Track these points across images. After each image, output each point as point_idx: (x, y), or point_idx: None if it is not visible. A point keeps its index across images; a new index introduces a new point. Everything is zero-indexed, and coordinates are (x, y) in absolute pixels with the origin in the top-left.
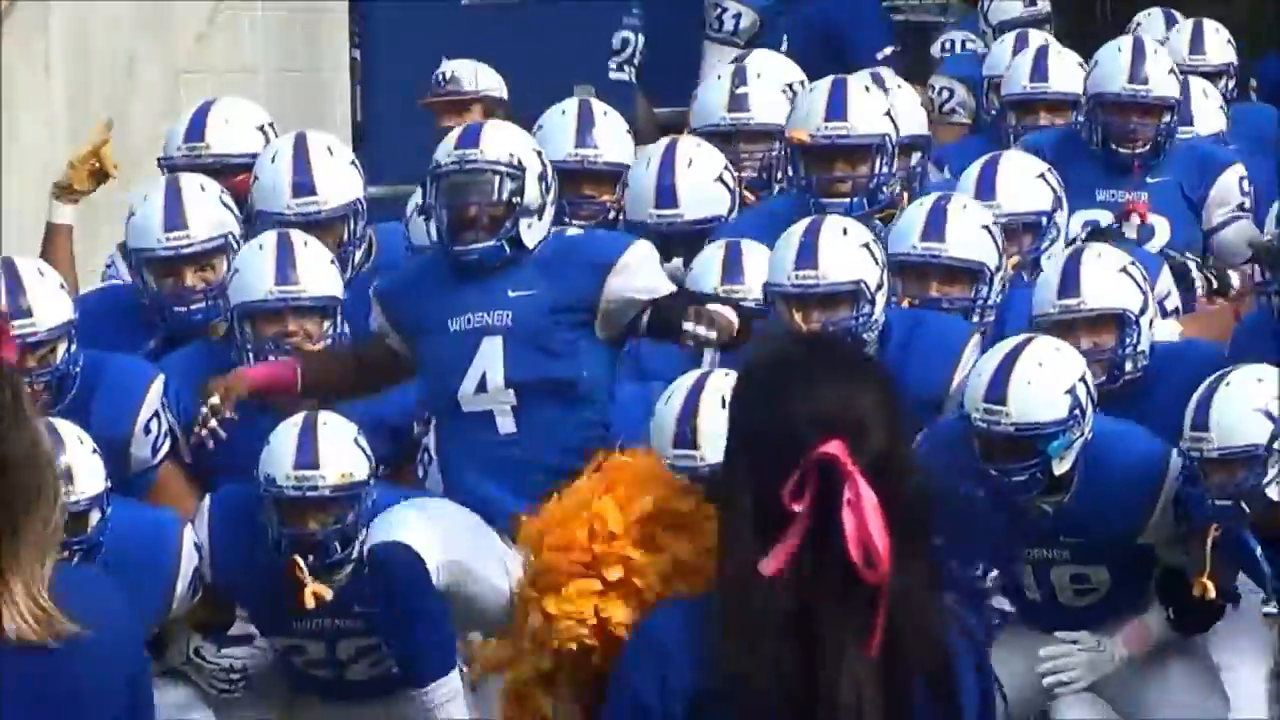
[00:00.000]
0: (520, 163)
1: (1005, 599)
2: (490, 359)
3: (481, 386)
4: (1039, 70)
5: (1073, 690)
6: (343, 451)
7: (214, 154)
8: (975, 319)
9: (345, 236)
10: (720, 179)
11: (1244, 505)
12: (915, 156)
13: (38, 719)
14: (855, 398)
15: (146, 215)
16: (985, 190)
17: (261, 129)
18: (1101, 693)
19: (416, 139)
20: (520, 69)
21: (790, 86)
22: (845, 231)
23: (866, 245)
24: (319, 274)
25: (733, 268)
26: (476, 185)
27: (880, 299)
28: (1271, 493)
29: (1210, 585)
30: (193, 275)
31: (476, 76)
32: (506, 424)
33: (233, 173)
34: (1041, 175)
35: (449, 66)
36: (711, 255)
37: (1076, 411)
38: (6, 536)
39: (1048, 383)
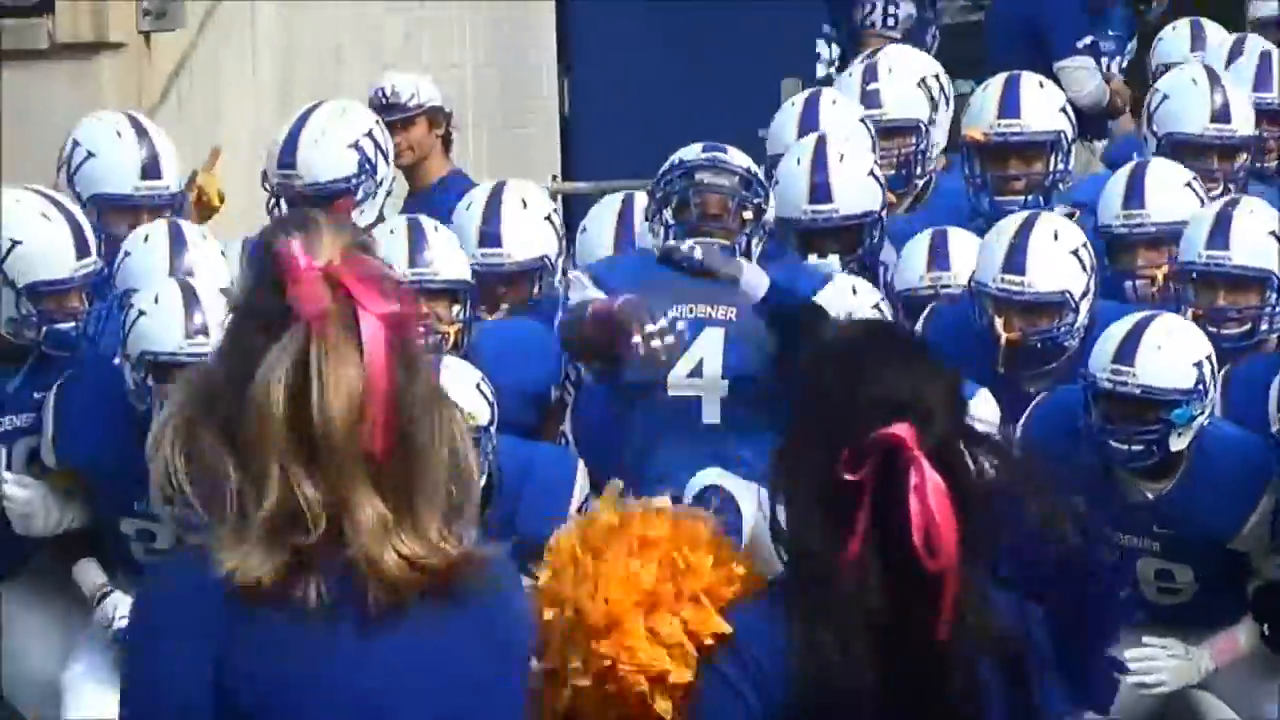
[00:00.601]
0: (760, 178)
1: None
2: (710, 348)
3: (696, 372)
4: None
5: (1156, 694)
6: (463, 396)
7: (306, 184)
8: (1264, 326)
9: (533, 292)
10: (872, 173)
11: None
12: (1241, 158)
13: (462, 665)
14: (921, 384)
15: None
16: (1135, 199)
17: (356, 145)
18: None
19: (621, 135)
20: (723, 62)
21: (924, 81)
22: (1056, 236)
23: (1076, 251)
24: (450, 257)
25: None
26: (723, 185)
27: (1085, 305)
28: None
29: None
30: None
31: (418, 90)
32: (712, 414)
33: (328, 199)
34: (1188, 184)
35: (388, 81)
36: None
37: (1201, 386)
38: (406, 507)
39: (1177, 351)
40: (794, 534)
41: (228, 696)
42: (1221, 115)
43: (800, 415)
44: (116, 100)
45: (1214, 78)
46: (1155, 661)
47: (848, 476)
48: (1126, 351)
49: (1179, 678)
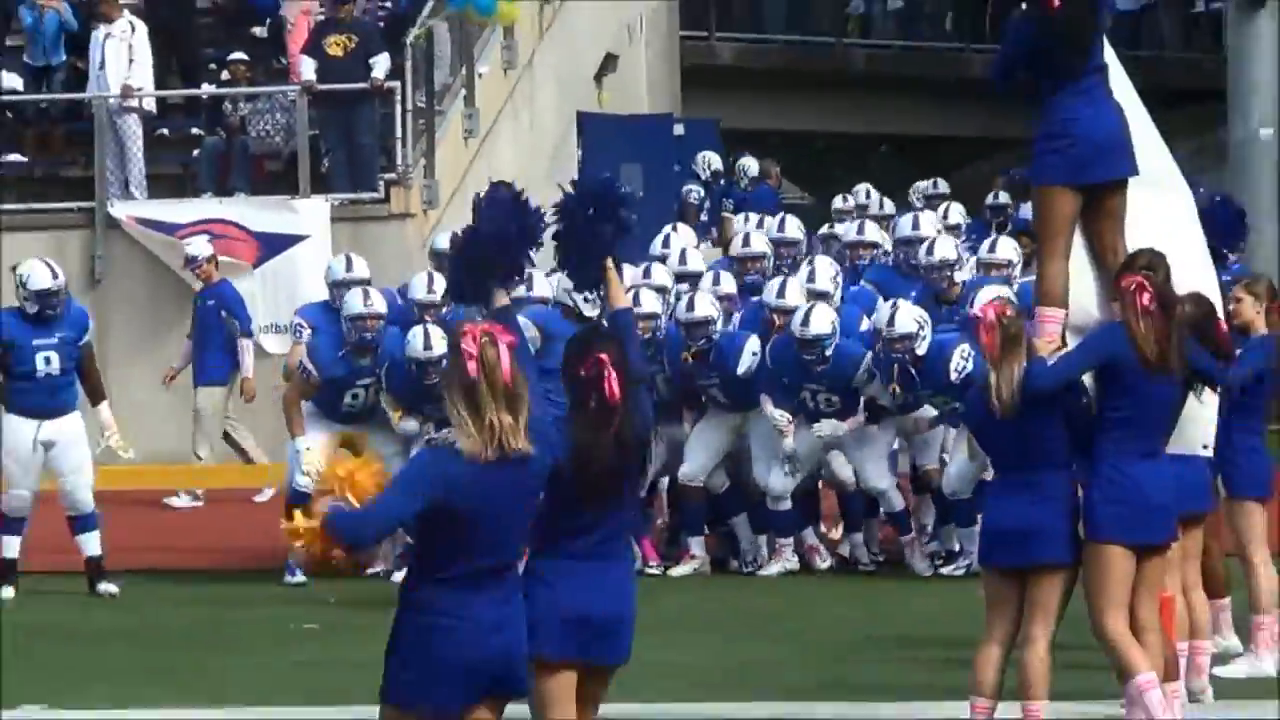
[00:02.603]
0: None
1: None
2: None
3: None
4: None
5: (825, 441)
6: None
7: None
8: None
9: None
10: None
11: (907, 356)
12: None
13: (529, 489)
14: (611, 345)
15: None
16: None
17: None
18: (843, 450)
19: None
20: None
21: None
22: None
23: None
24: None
25: None
26: None
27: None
28: (919, 350)
29: (899, 389)
30: None
31: (207, 249)
32: None
33: None
34: None
35: (194, 246)
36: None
37: (834, 332)
38: (518, 419)
39: (825, 318)
40: (568, 404)
41: (446, 501)
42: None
43: (565, 367)
44: (416, 242)
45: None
46: (825, 432)
47: (584, 373)
48: (805, 320)
49: (835, 436)
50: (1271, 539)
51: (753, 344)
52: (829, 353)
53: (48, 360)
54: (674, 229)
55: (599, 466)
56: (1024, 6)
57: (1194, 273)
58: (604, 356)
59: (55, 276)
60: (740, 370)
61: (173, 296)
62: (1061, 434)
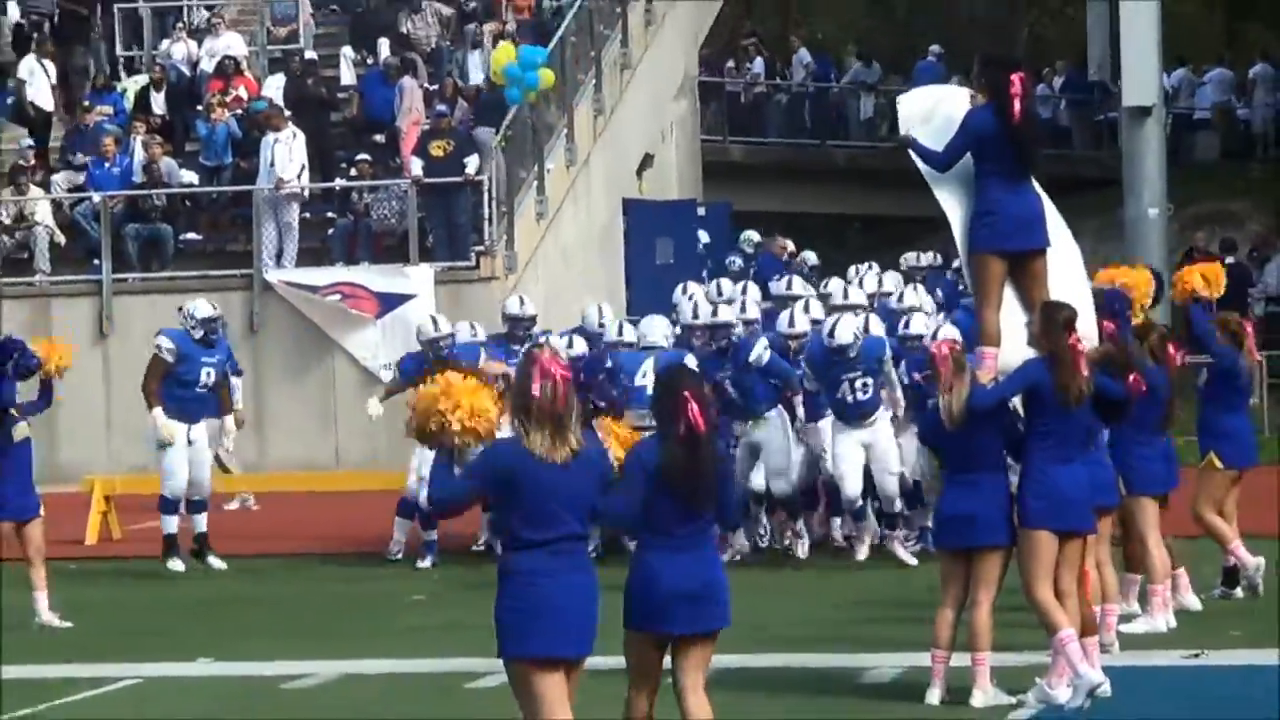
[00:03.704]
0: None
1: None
2: None
3: None
4: None
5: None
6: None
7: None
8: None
9: None
10: None
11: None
12: None
13: (588, 482)
14: (695, 382)
15: None
16: None
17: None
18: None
19: None
20: None
21: None
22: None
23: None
24: None
25: None
26: None
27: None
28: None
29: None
30: None
31: (217, 308)
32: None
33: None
34: None
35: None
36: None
37: (858, 340)
38: (577, 418)
39: (849, 328)
40: (659, 429)
41: (504, 479)
42: None
43: (654, 400)
44: (500, 298)
45: None
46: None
47: (672, 406)
48: (831, 332)
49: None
50: (1164, 525)
51: (761, 343)
52: (853, 354)
53: (209, 374)
54: (684, 287)
55: (690, 480)
56: (990, 102)
57: (1084, 316)
58: (688, 393)
59: (215, 308)
60: (751, 358)
61: (312, 340)
62: (998, 443)
